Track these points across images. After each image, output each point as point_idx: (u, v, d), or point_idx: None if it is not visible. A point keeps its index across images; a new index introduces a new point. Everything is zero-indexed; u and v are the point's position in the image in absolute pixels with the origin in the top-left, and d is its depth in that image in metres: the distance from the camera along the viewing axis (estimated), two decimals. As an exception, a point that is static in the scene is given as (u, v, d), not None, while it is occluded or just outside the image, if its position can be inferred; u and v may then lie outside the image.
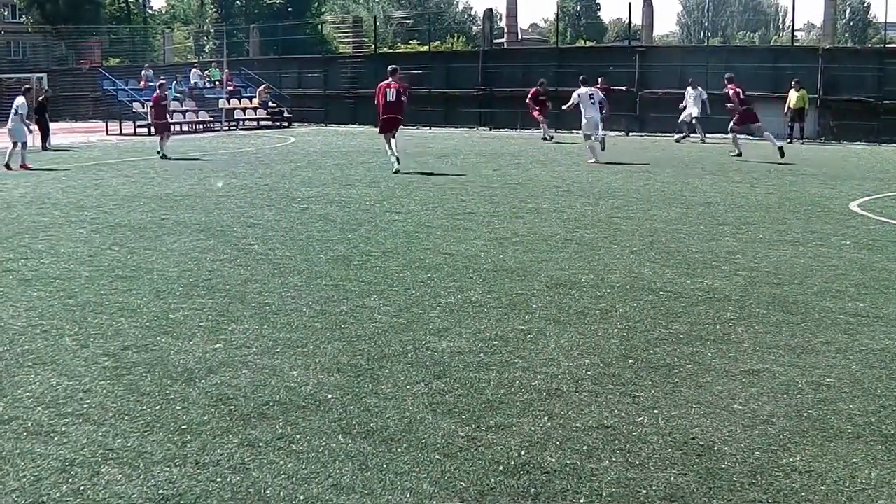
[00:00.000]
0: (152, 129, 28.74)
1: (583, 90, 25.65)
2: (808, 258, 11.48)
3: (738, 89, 26.59)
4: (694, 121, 32.67)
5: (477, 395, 6.57)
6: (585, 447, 5.62)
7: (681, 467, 5.33)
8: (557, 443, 5.69)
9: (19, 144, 25.68)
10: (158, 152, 27.55)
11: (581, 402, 6.42)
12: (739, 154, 27.02)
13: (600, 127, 25.50)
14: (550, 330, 8.23)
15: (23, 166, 24.87)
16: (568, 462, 5.41)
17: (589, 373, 7.04)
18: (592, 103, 25.17)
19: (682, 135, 32.91)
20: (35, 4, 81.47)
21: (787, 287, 9.90)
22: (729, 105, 26.96)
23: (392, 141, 23.29)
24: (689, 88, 32.95)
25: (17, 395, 6.74)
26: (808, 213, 15.56)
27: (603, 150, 25.47)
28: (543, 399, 6.48)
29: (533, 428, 5.93)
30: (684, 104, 32.83)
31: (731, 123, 27.50)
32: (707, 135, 32.56)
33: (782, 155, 25.01)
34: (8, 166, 24.80)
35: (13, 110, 26.29)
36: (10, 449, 5.74)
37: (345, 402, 6.46)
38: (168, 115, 32.19)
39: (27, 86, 31.13)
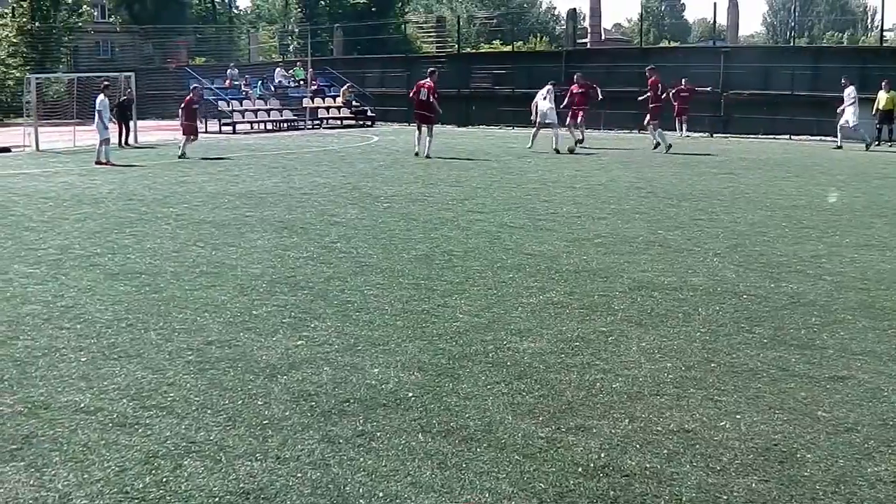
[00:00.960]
0: (182, 130, 28.81)
1: (543, 89, 29.70)
2: (895, 263, 11.28)
3: (659, 83, 28.92)
4: (852, 125, 30.64)
5: (557, 396, 6.57)
6: (666, 451, 5.59)
7: (762, 473, 5.28)
8: (637, 446, 5.67)
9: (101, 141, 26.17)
10: (181, 155, 27.49)
11: (662, 405, 6.39)
12: (658, 146, 28.81)
13: (553, 118, 29.18)
14: (632, 332, 8.19)
15: (104, 162, 25.34)
16: (648, 465, 5.39)
17: (670, 376, 7.00)
18: (544, 98, 29.42)
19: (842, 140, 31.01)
20: (123, 4, 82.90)
21: (874, 293, 9.74)
22: (649, 96, 29.32)
23: (421, 133, 27.36)
24: (848, 89, 30.74)
25: (103, 387, 6.88)
26: (897, 217, 15.29)
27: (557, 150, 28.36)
28: (624, 401, 6.46)
29: (613, 430, 5.91)
30: (843, 108, 30.95)
31: (649, 117, 29.79)
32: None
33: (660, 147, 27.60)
34: (99, 162, 25.33)
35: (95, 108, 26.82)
36: (95, 440, 5.87)
37: (425, 400, 6.49)
38: (198, 119, 32.35)
39: (105, 82, 31.44)
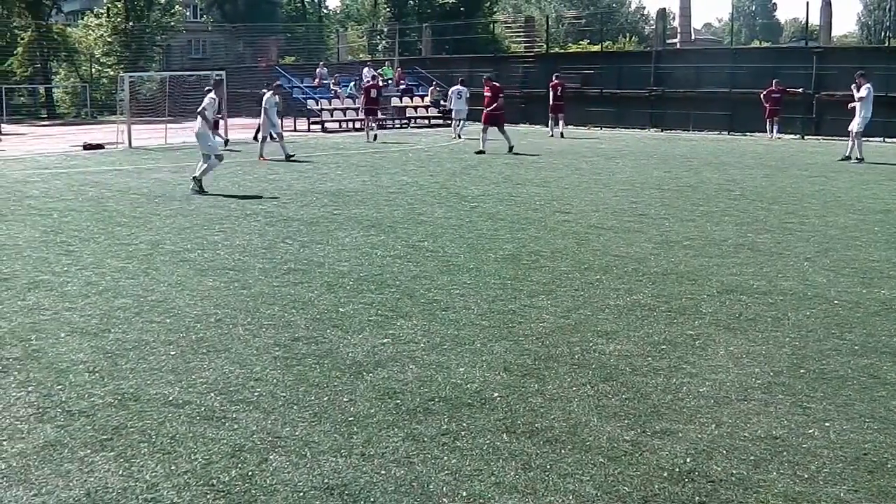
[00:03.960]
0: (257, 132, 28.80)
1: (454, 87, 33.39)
2: None
3: (497, 89, 28.56)
4: None
5: (643, 399, 6.53)
6: (753, 457, 5.53)
7: (851, 483, 5.20)
8: (724, 452, 5.61)
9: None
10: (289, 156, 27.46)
11: (749, 411, 6.31)
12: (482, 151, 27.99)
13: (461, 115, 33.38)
14: (720, 336, 8.10)
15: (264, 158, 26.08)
16: (734, 472, 5.33)
17: (758, 381, 6.91)
18: (458, 97, 33.53)
19: None
20: (215, 4, 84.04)
21: (970, 300, 9.53)
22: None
23: (486, 134, 28.51)
24: None
25: (191, 381, 6.99)
26: None
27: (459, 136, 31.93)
28: (711, 406, 6.39)
29: (699, 435, 5.86)
30: None
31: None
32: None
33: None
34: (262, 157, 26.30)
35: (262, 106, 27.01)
36: (183, 432, 5.97)
37: (510, 401, 6.49)
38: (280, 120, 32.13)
39: (277, 82, 31.49)
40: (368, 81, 37.25)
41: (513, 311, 8.98)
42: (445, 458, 5.53)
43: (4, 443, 5.87)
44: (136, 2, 70.48)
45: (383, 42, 70.43)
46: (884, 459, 5.51)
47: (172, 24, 74.06)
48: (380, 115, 33.63)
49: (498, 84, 29.75)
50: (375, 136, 35.09)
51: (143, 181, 21.17)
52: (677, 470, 5.35)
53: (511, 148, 27.93)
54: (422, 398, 6.55)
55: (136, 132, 33.91)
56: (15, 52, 67.18)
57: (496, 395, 6.61)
